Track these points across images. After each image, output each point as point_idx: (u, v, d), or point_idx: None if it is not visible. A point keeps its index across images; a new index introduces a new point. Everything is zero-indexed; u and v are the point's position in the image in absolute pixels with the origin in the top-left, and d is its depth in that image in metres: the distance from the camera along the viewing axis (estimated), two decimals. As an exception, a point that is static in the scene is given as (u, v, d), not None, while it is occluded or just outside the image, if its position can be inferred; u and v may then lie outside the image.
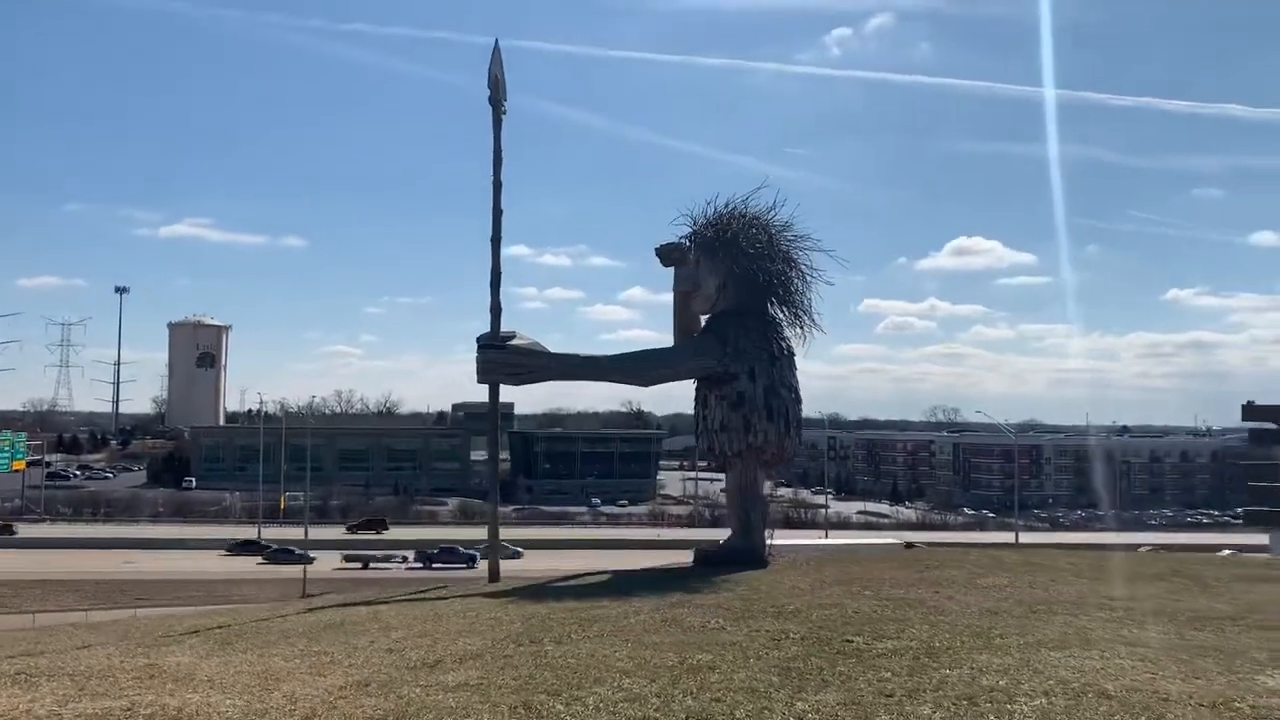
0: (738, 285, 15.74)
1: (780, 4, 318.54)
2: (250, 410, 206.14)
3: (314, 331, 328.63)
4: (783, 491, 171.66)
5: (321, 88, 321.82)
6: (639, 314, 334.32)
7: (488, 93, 15.21)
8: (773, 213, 15.77)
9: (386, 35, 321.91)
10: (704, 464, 16.23)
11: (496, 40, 15.31)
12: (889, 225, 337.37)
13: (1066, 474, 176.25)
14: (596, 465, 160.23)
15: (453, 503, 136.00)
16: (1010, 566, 13.31)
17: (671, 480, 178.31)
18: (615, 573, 14.12)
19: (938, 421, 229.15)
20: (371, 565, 79.95)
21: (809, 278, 15.58)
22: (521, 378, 14.66)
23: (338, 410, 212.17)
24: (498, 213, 14.98)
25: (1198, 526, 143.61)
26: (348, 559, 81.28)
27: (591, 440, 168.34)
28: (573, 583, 13.16)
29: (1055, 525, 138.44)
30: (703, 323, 16.95)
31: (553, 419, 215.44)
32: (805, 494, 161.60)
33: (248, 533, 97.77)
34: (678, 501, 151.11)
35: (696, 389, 15.96)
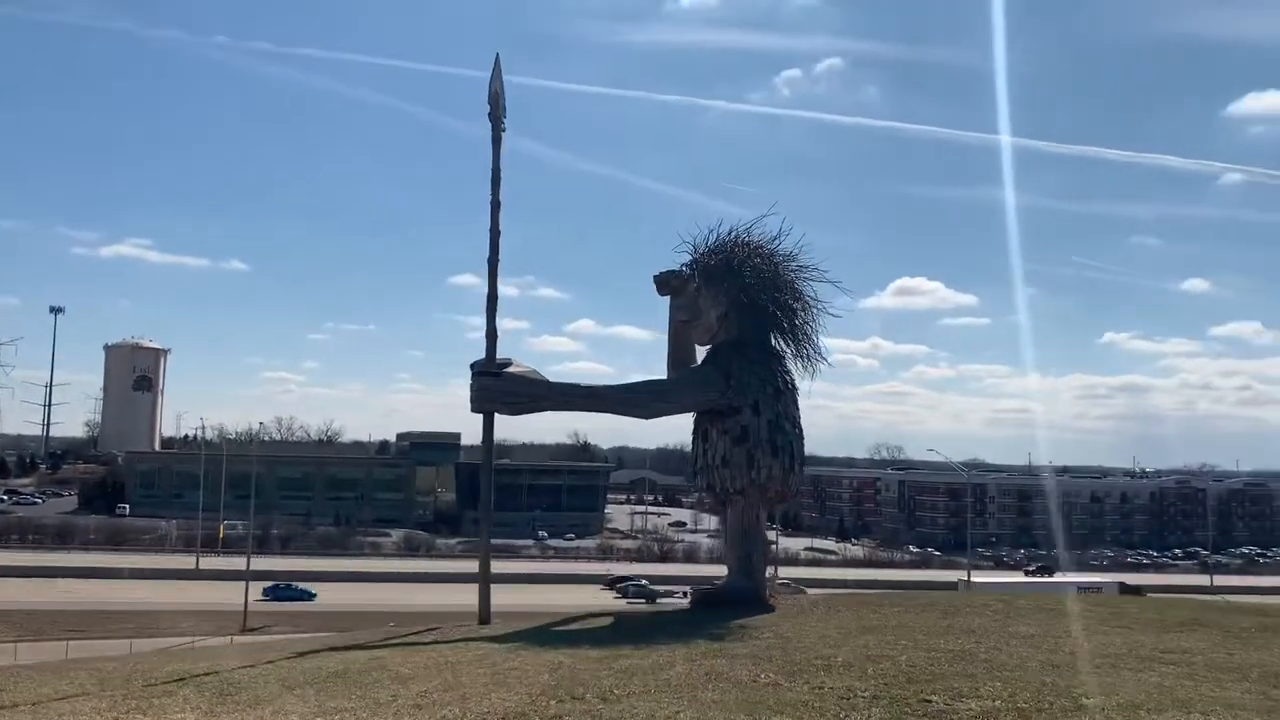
0: (741, 315, 15.19)
1: (733, 44, 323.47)
2: (187, 435, 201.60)
3: (255, 357, 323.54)
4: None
5: (267, 111, 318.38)
6: (586, 346, 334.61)
7: (487, 109, 14.59)
8: (777, 241, 15.30)
9: (337, 60, 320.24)
10: (703, 501, 15.61)
11: (497, 55, 14.71)
12: (834, 264, 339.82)
13: (1009, 513, 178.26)
14: (544, 498, 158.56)
15: (397, 534, 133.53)
16: (1024, 612, 12.83)
17: (618, 514, 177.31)
18: (617, 614, 13.37)
19: (881, 459, 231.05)
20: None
21: (814, 309, 15.07)
22: (519, 407, 13.93)
23: (278, 437, 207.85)
24: (495, 233, 14.30)
25: (1138, 567, 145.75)
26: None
27: (538, 472, 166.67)
28: (575, 626, 12.38)
29: (999, 564, 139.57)
30: (699, 354, 16.44)
31: (499, 450, 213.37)
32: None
33: (185, 562, 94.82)
34: (625, 535, 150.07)
35: (696, 422, 15.34)
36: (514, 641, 10.49)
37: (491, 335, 14.08)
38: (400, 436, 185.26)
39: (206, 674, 8.79)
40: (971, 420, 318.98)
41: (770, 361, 15.15)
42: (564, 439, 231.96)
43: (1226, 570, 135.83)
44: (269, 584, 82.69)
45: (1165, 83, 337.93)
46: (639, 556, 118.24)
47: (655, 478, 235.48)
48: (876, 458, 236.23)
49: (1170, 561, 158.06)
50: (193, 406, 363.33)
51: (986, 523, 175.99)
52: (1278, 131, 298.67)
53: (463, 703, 7.01)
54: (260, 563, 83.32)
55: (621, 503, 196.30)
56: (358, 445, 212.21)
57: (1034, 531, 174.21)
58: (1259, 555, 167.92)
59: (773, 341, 15.44)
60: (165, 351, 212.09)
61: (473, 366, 14.19)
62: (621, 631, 11.38)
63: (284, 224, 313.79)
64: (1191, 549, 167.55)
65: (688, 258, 15.82)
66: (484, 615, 13.70)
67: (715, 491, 14.92)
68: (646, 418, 14.92)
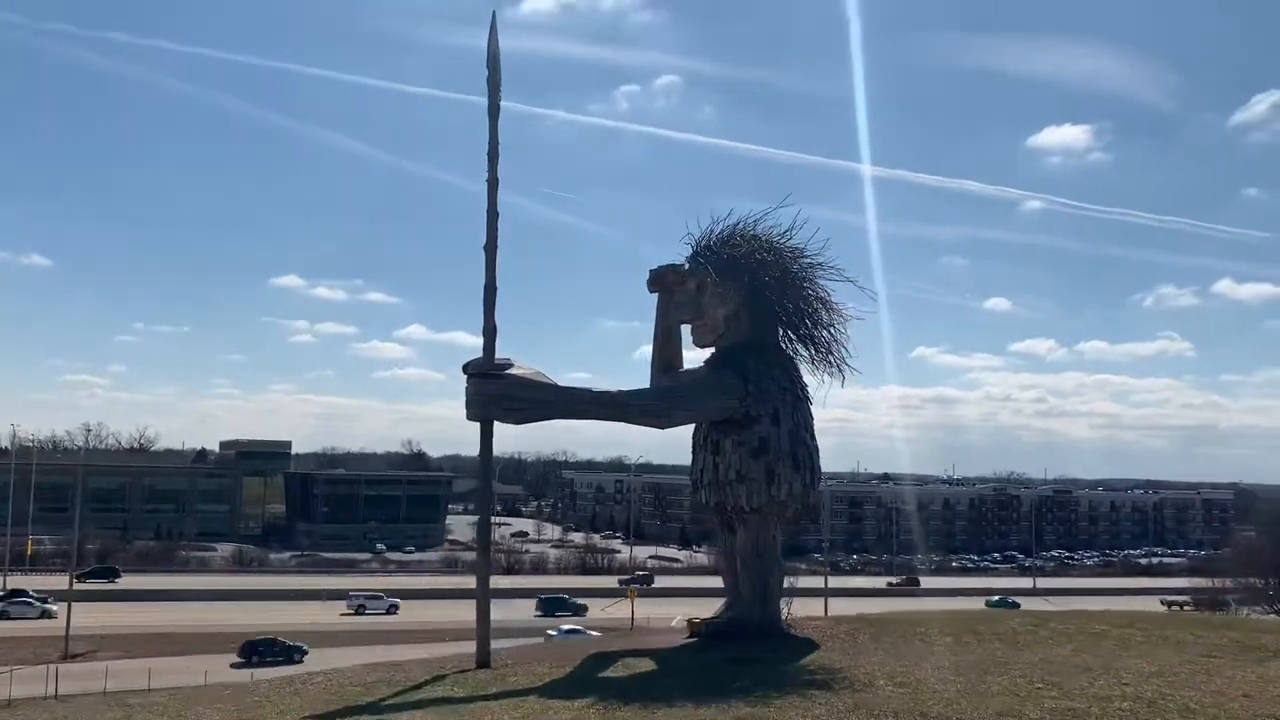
0: (753, 316, 13.88)
1: (573, 55, 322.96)
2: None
3: (56, 359, 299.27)
4: (574, 536, 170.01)
5: (72, 97, 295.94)
6: (417, 352, 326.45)
7: (485, 73, 12.78)
8: (789, 236, 14.07)
9: (151, 48, 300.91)
10: (709, 516, 14.11)
11: (494, 14, 12.88)
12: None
13: (840, 519, 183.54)
14: (381, 509, 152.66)
15: (225, 549, 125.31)
16: (1096, 638, 12.05)
17: (459, 525, 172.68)
18: (651, 654, 11.74)
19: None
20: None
21: (835, 311, 13.88)
22: (523, 415, 12.17)
23: (85, 446, 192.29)
24: (493, 215, 12.50)
25: (963, 571, 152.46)
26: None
27: (376, 483, 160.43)
28: (607, 673, 10.70)
29: (835, 570, 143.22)
30: (685, 359, 15.02)
31: (330, 459, 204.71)
32: (596, 539, 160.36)
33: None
34: (468, 547, 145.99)
35: (699, 433, 13.92)
36: (545, 695, 8.78)
37: (490, 331, 12.27)
38: (225, 445, 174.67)
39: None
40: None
41: (788, 366, 13.91)
42: (396, 447, 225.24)
43: (1043, 573, 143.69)
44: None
45: (973, 113, 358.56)
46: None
47: (494, 487, 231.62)
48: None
49: (991, 565, 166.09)
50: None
51: (820, 528, 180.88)
52: (1073, 163, 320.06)
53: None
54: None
55: (459, 513, 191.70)
56: (172, 454, 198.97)
57: (864, 537, 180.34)
58: (1068, 558, 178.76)
59: (786, 345, 14.24)
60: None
61: (467, 367, 12.35)
62: (659, 681, 9.79)
63: (91, 218, 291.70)
64: (1008, 553, 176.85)
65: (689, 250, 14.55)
66: (483, 657, 11.84)
67: (727, 510, 13.54)
68: (665, 427, 13.40)
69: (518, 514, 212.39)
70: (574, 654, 12.08)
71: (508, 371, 12.10)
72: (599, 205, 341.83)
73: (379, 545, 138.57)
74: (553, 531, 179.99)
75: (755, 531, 13.35)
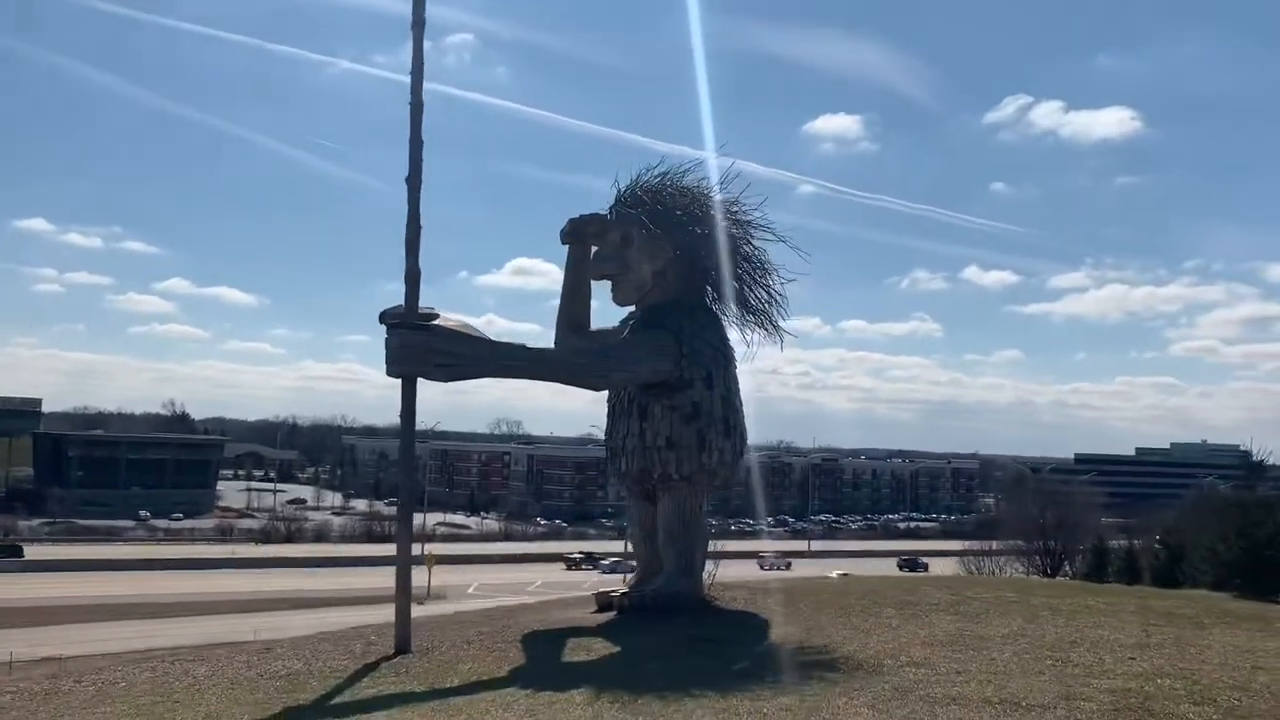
0: (682, 273, 13.06)
1: (362, 4, 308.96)
2: None
3: None
4: (355, 504, 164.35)
5: None
6: (178, 307, 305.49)
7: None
8: (721, 188, 13.31)
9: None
10: (629, 486, 13.14)
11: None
12: (451, 239, 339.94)
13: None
14: (146, 474, 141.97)
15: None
16: (1096, 611, 12.07)
17: (228, 491, 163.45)
18: (566, 629, 10.81)
19: (504, 434, 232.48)
20: None
21: (770, 269, 13.25)
22: (452, 370, 10.87)
23: None
24: (417, 143, 11.06)
25: (741, 534, 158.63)
26: None
27: (141, 446, 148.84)
28: (571, 657, 9.71)
29: (622, 533, 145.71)
30: (595, 318, 14.05)
31: (84, 419, 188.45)
32: (380, 506, 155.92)
33: None
34: (242, 514, 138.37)
35: (617, 396, 13.00)
36: (530, 686, 7.77)
37: (413, 276, 10.84)
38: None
39: None
40: (579, 398, 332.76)
41: (718, 327, 13.20)
42: (156, 408, 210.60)
43: (814, 535, 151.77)
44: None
45: (756, 97, 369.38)
46: (265, 537, 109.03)
47: (264, 452, 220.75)
48: (497, 432, 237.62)
49: (766, 529, 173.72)
50: None
51: (608, 495, 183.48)
52: (844, 151, 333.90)
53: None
54: None
55: (229, 479, 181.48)
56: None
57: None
58: (834, 522, 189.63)
59: (713, 305, 13.51)
60: None
61: (384, 317, 10.91)
62: (669, 664, 8.95)
63: None
64: (781, 517, 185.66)
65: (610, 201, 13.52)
66: (403, 640, 10.54)
67: (652, 478, 12.72)
68: (601, 389, 12.39)
69: (293, 480, 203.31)
70: (498, 634, 10.98)
71: (434, 323, 10.76)
72: (377, 160, 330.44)
73: (143, 512, 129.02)
74: (333, 499, 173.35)
75: (681, 500, 12.60)
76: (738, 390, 13.03)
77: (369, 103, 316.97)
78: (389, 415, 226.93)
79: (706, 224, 12.93)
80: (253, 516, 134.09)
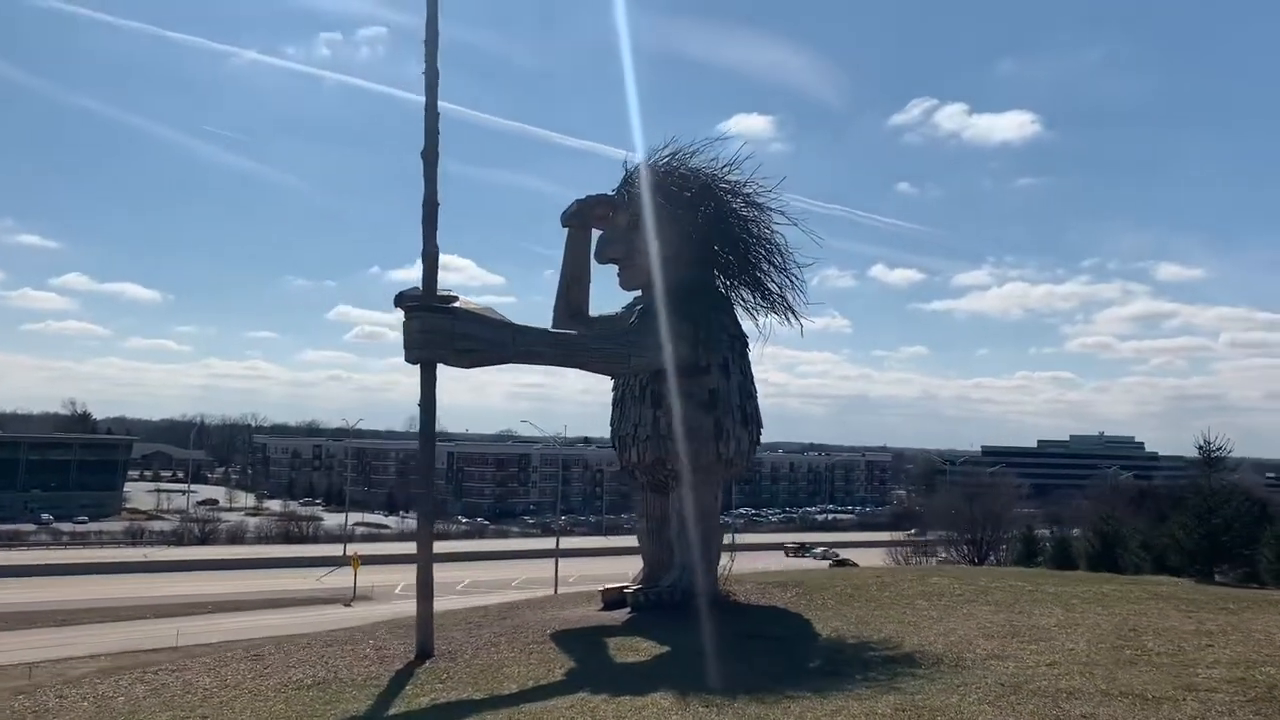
0: (692, 256, 12.64)
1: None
2: None
3: None
4: (270, 505, 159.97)
5: None
6: (77, 303, 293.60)
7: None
8: (731, 169, 12.92)
9: None
10: (637, 475, 12.63)
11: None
12: (363, 233, 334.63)
13: (551, 481, 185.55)
14: (48, 475, 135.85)
15: None
16: (1117, 599, 11.95)
17: (136, 492, 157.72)
18: (591, 628, 10.31)
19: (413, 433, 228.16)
20: None
21: (786, 252, 12.91)
22: (474, 356, 10.29)
23: None
24: (433, 118, 10.41)
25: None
26: None
27: (43, 446, 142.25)
28: (621, 659, 9.23)
29: (546, 531, 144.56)
30: (593, 305, 13.55)
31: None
32: (295, 506, 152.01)
33: None
34: (152, 515, 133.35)
35: (626, 385, 12.54)
36: (627, 694, 7.29)
37: (431, 257, 10.22)
38: None
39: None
40: (493, 394, 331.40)
41: (730, 312, 12.82)
42: (54, 408, 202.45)
43: (736, 529, 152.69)
44: None
45: (671, 97, 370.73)
46: (179, 540, 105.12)
47: (172, 452, 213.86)
48: (414, 430, 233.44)
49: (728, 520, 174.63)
50: None
51: (529, 491, 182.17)
52: (757, 151, 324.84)
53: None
54: None
55: (136, 480, 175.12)
56: None
57: (571, 499, 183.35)
58: (754, 515, 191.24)
59: (724, 290, 13.11)
60: None
61: (401, 299, 10.27)
62: (738, 666, 8.52)
63: None
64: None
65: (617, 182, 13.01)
66: (425, 643, 9.92)
67: (665, 468, 12.28)
68: (620, 375, 11.92)
69: (203, 480, 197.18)
70: (515, 634, 10.44)
71: (453, 305, 10.15)
72: (288, 154, 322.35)
73: (44, 515, 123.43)
74: (245, 499, 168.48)
75: (698, 492, 12.21)
76: (752, 378, 12.68)
77: (275, 95, 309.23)
78: (298, 414, 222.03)
79: (718, 206, 12.54)
80: (163, 518, 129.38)
